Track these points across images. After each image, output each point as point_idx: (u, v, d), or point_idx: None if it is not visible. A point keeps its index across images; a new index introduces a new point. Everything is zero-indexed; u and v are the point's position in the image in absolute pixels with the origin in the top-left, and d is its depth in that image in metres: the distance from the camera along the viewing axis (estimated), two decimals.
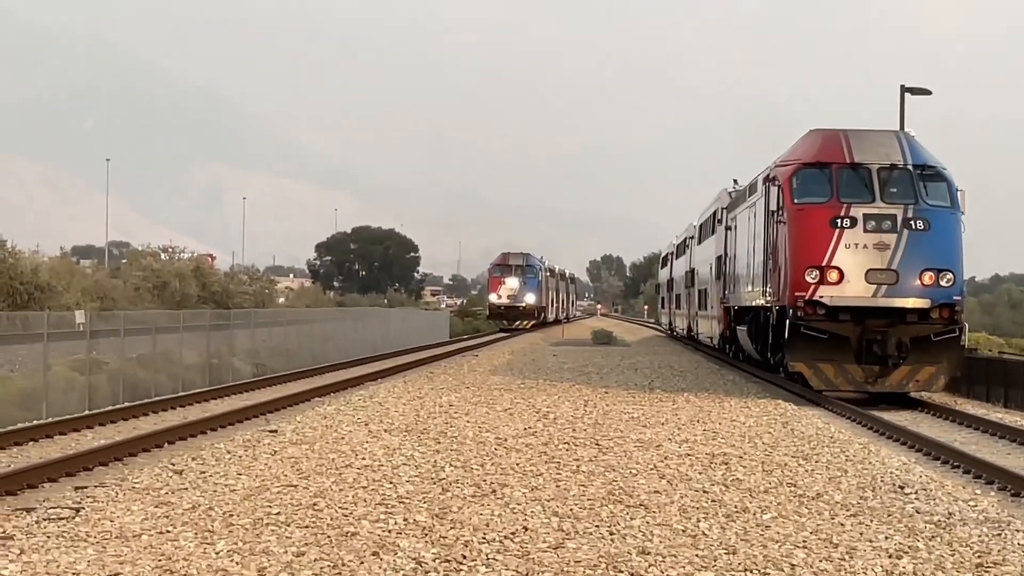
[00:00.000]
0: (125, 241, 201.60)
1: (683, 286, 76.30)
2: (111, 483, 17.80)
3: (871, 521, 15.13)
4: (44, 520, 14.96)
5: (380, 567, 12.29)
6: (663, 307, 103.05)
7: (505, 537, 13.74)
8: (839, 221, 32.74)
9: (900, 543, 13.81)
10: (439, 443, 22.21)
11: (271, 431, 24.29)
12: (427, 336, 78.80)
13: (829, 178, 33.48)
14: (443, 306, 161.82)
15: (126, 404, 30.41)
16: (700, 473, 18.95)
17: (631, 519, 14.93)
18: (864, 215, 32.73)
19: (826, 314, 32.82)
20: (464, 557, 12.74)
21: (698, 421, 26.87)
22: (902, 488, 17.88)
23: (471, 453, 20.83)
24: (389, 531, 14.01)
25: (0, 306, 42.69)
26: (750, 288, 40.56)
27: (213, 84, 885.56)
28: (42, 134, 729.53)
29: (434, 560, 12.60)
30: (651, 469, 19.24)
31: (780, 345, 35.02)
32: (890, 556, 13.15)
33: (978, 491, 18.57)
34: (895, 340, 32.71)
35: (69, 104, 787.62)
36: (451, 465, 19.32)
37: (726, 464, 20.00)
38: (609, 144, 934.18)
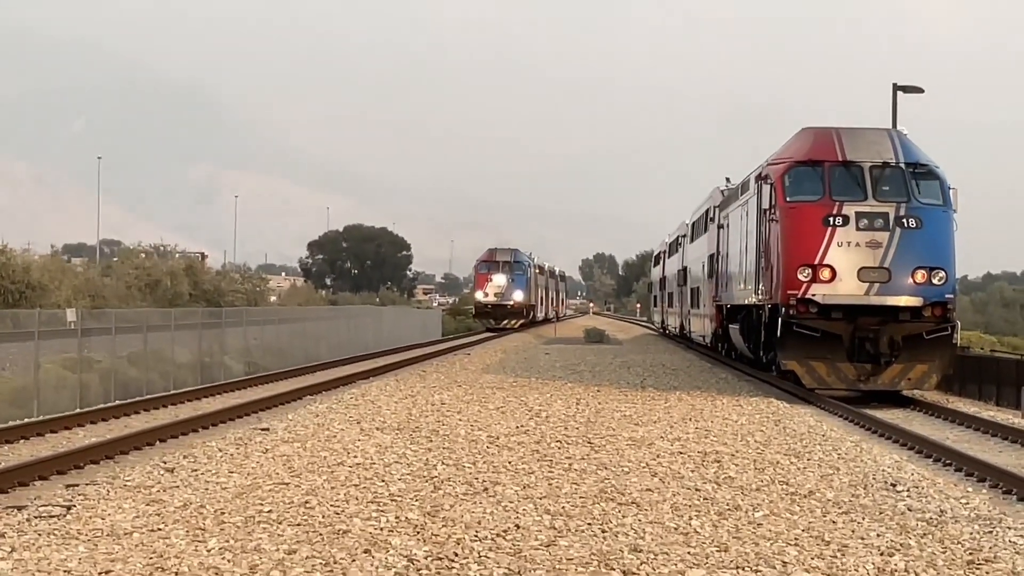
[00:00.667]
0: (117, 239, 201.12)
1: (675, 284, 76.31)
2: (102, 481, 17.78)
3: (863, 519, 15.14)
4: (35, 518, 14.94)
5: (372, 565, 12.27)
6: (655, 305, 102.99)
7: (497, 535, 13.73)
8: (831, 219, 32.76)
9: (892, 541, 13.81)
10: (431, 441, 22.20)
11: (263, 429, 24.28)
12: (419, 335, 78.82)
13: (821, 176, 33.49)
14: (435, 304, 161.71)
15: (117, 402, 30.39)
16: (692, 471, 18.94)
17: (623, 517, 14.92)
18: (856, 213, 32.74)
19: (818, 312, 32.84)
20: (456, 555, 12.73)
21: (690, 419, 26.87)
22: (894, 486, 17.89)
23: (463, 451, 20.81)
24: (381, 529, 13.99)
25: None
26: (743, 286, 40.57)
27: (204, 83, 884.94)
28: (33, 133, 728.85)
29: (426, 558, 12.59)
30: (643, 467, 19.23)
31: (772, 343, 35.03)
32: (882, 553, 13.15)
33: (970, 489, 18.59)
34: (887, 338, 32.73)
35: (60, 103, 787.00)
36: (443, 463, 19.31)
37: (718, 462, 20.00)
38: (602, 143, 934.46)
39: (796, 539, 13.78)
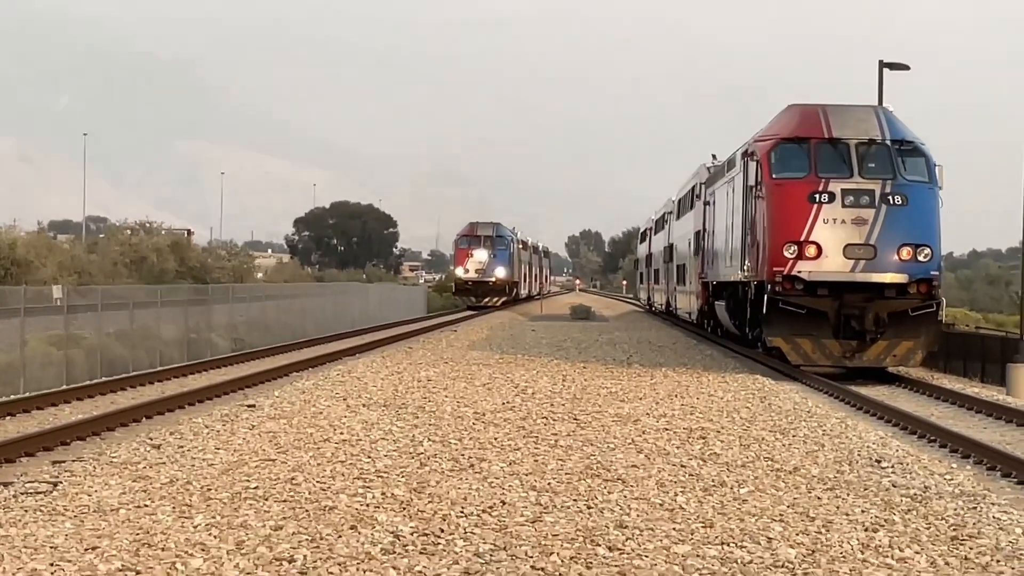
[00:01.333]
0: (103, 216, 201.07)
1: (662, 261, 76.31)
2: (89, 457, 17.78)
3: (847, 495, 15.18)
4: (22, 494, 14.95)
5: (358, 541, 12.29)
6: (642, 282, 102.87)
7: (483, 511, 13.76)
8: (817, 196, 32.80)
9: (876, 516, 13.86)
10: (417, 418, 22.22)
11: (249, 406, 24.28)
12: (406, 311, 78.75)
13: (807, 153, 33.51)
14: (422, 281, 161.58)
15: (104, 379, 30.36)
16: (678, 447, 18.98)
17: (609, 493, 14.95)
18: (842, 190, 32.79)
19: (804, 289, 32.89)
20: (442, 531, 12.75)
21: (676, 396, 26.91)
22: (879, 462, 17.95)
23: (449, 428, 20.84)
24: (367, 505, 14.02)
25: None
26: (729, 263, 40.61)
27: (191, 59, 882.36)
28: (18, 109, 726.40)
29: (412, 534, 12.61)
30: (629, 443, 19.27)
31: (758, 320, 35.08)
32: (866, 529, 13.20)
33: (954, 465, 18.66)
34: (873, 315, 32.79)
35: (45, 79, 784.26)
36: (429, 440, 19.33)
37: (704, 438, 20.05)
38: (588, 119, 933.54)
39: (781, 515, 13.82)
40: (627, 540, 12.49)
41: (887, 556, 12.13)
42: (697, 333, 55.51)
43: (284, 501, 14.21)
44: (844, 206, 32.68)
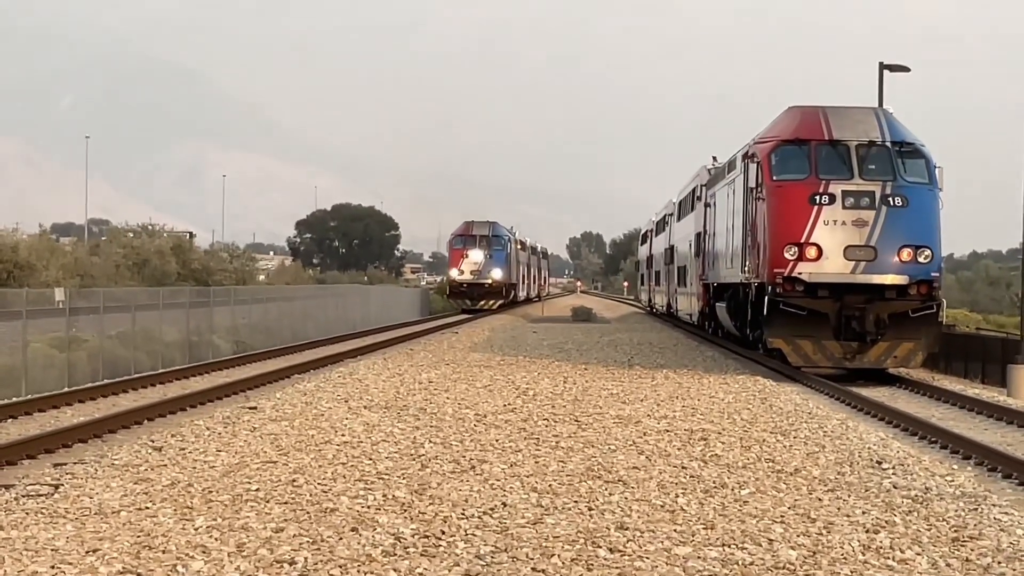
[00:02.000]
0: (105, 219, 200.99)
1: (662, 263, 76.31)
2: (90, 460, 17.79)
3: (848, 496, 15.20)
4: (23, 496, 14.95)
5: (359, 543, 12.30)
6: (642, 284, 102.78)
7: (484, 513, 13.77)
8: (818, 198, 32.81)
9: (877, 518, 13.87)
10: (418, 420, 22.23)
11: (251, 408, 24.29)
12: (407, 313, 78.75)
13: (808, 155, 33.53)
14: (423, 283, 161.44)
15: (105, 381, 30.36)
16: (679, 449, 18.99)
17: (610, 495, 14.96)
18: (843, 192, 32.80)
19: (805, 290, 32.90)
20: (443, 533, 12.77)
21: (677, 397, 26.92)
22: (879, 463, 17.96)
23: (450, 430, 20.85)
24: (368, 507, 14.03)
25: None
26: (729, 265, 40.61)
27: (193, 62, 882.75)
28: (20, 111, 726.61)
29: (413, 536, 12.63)
30: (630, 445, 19.28)
31: (759, 321, 35.09)
32: (867, 531, 13.21)
33: (955, 466, 18.67)
34: (873, 316, 32.79)
35: (47, 82, 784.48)
36: (430, 441, 19.35)
37: (705, 440, 20.06)
38: (589, 122, 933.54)
39: (782, 516, 13.83)
40: (628, 542, 12.50)
41: (888, 557, 12.14)
42: (698, 334, 55.52)
43: (285, 503, 14.22)
44: (844, 208, 32.69)
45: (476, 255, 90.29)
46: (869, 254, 32.53)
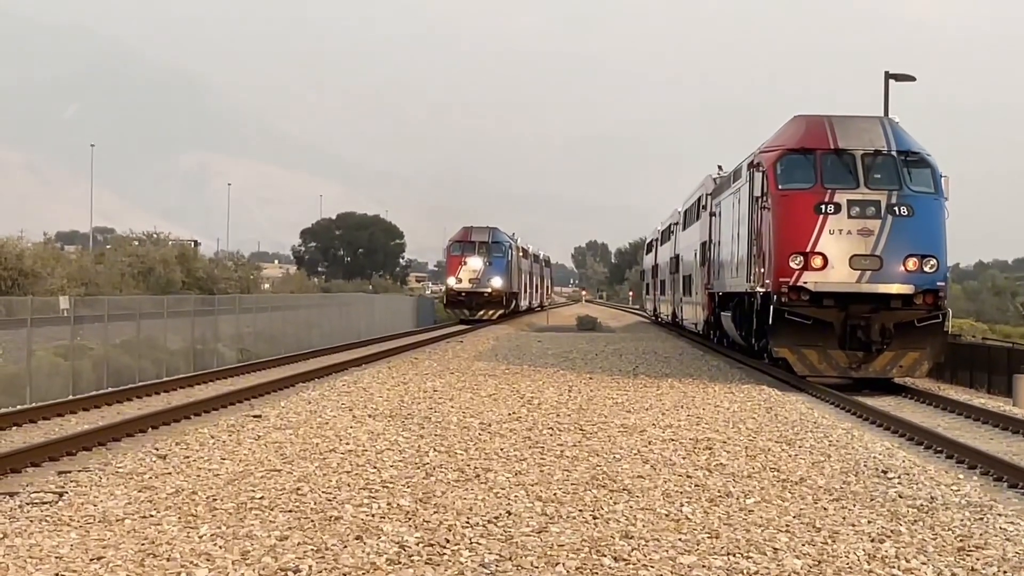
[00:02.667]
0: (110, 227, 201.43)
1: (667, 272, 76.27)
2: (95, 468, 17.78)
3: (854, 505, 15.17)
4: (27, 504, 14.95)
5: (363, 551, 12.29)
6: (647, 293, 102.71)
7: (489, 521, 13.75)
8: (823, 207, 32.77)
9: (883, 527, 13.84)
10: (423, 428, 22.22)
11: (255, 416, 24.28)
12: (412, 322, 78.63)
13: (813, 164, 33.50)
14: (428, 292, 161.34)
15: (110, 389, 30.38)
16: (684, 458, 18.97)
17: (614, 504, 14.94)
18: (848, 201, 32.76)
19: (810, 300, 32.86)
20: (447, 541, 12.75)
21: (682, 406, 26.89)
22: (885, 473, 17.92)
23: (455, 438, 20.83)
24: (372, 515, 14.01)
25: None
26: (734, 274, 40.59)
27: (198, 71, 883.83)
28: (25, 120, 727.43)
29: (417, 544, 12.61)
30: (635, 454, 19.26)
31: (764, 331, 35.06)
32: (872, 540, 13.18)
33: (961, 476, 18.62)
34: (879, 326, 32.75)
35: (52, 91, 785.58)
36: (435, 450, 19.33)
37: (710, 449, 20.03)
38: (595, 131, 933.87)
39: (787, 526, 13.81)
40: (633, 550, 12.48)
41: (893, 567, 12.11)
42: (703, 344, 55.47)
43: (290, 511, 14.21)
44: (850, 217, 32.65)
45: (475, 262, 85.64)
46: (875, 263, 32.49)
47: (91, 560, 11.94)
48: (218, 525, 13.45)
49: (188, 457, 18.55)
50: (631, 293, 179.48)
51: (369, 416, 24.14)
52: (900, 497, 15.85)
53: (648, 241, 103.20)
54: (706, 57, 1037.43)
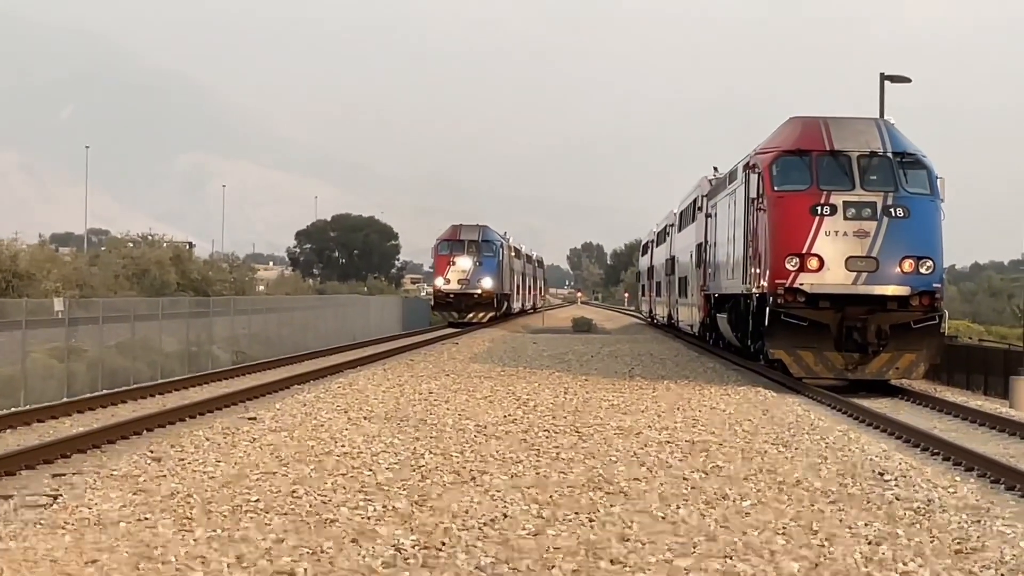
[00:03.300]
0: (104, 229, 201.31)
1: (663, 274, 76.24)
2: (89, 470, 17.75)
3: (851, 508, 15.15)
4: (22, 507, 14.92)
5: (359, 554, 12.26)
6: (643, 295, 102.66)
7: (485, 524, 13.72)
8: (819, 208, 32.75)
9: (879, 530, 13.82)
10: (419, 430, 22.19)
11: (250, 418, 24.25)
12: (407, 323, 78.41)
13: (809, 165, 33.48)
14: (424, 294, 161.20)
15: (105, 391, 30.32)
16: (680, 460, 18.94)
17: (611, 506, 14.92)
18: (844, 203, 32.74)
19: (806, 301, 32.83)
20: (443, 544, 12.72)
21: (678, 408, 26.88)
22: (882, 475, 17.90)
23: (451, 440, 20.81)
24: (368, 518, 13.98)
25: None
26: (730, 276, 40.57)
27: (192, 73, 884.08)
28: (21, 122, 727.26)
29: (413, 547, 12.58)
30: (631, 456, 19.24)
31: (760, 332, 35.03)
32: (869, 543, 13.16)
33: (958, 478, 18.60)
34: (875, 327, 32.72)
35: (48, 92, 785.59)
36: (431, 452, 19.30)
37: (706, 451, 20.01)
38: (591, 133, 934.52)
39: (784, 528, 13.78)
40: (629, 553, 12.45)
41: (891, 570, 12.09)
42: (699, 345, 55.45)
43: (285, 514, 14.18)
44: (846, 218, 32.64)
45: (464, 262, 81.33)
46: (871, 265, 32.48)
47: (86, 563, 11.90)
48: (213, 528, 13.41)
49: (183, 460, 18.51)
50: (626, 295, 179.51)
51: (365, 418, 24.12)
52: (897, 499, 15.83)
53: (644, 243, 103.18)
54: (703, 58, 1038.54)
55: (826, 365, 33.22)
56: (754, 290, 35.32)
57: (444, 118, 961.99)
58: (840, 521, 14.31)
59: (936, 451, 21.96)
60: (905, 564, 12.29)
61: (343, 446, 19.92)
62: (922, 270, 32.45)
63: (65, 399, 28.33)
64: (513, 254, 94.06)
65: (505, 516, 14.19)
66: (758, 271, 34.66)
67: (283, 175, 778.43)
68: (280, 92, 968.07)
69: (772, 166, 34.15)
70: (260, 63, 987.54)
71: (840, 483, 17.11)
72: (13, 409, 25.99)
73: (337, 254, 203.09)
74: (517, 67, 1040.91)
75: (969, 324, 67.06)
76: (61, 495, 15.63)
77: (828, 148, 33.54)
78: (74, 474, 17.56)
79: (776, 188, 33.84)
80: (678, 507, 14.91)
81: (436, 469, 17.58)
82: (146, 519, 13.93)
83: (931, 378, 36.60)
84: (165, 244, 77.10)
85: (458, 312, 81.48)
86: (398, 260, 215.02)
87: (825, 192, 32.89)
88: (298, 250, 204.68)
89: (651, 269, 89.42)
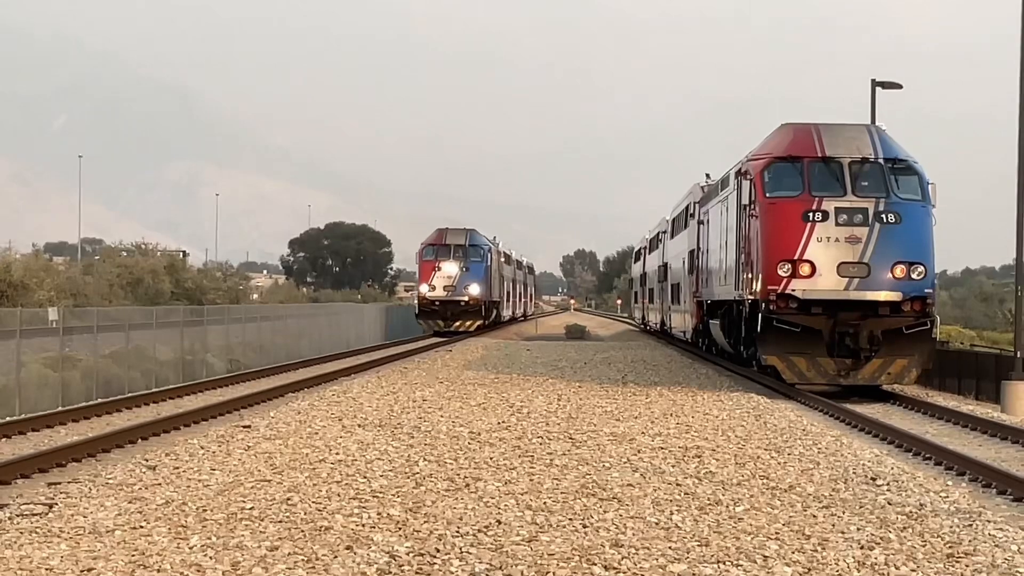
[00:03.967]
0: (98, 238, 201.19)
1: (656, 280, 76.24)
2: (84, 479, 17.76)
3: (843, 513, 15.19)
4: (17, 516, 14.92)
5: (354, 561, 12.30)
6: (636, 302, 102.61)
7: (479, 530, 13.76)
8: (811, 215, 32.83)
9: (872, 534, 13.87)
10: (413, 438, 22.22)
11: (245, 427, 24.26)
12: (401, 331, 78.30)
13: (801, 172, 33.56)
14: (415, 301, 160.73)
15: (99, 400, 30.36)
16: (673, 466, 18.99)
17: (604, 512, 14.96)
18: (836, 209, 32.81)
19: (798, 307, 32.90)
20: (438, 551, 12.76)
21: (671, 415, 26.92)
22: (874, 480, 17.96)
23: (445, 447, 20.84)
24: (363, 525, 14.02)
25: None
26: (723, 282, 40.63)
27: (186, 82, 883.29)
28: (14, 131, 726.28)
29: (408, 554, 12.62)
30: (624, 462, 19.28)
31: (753, 339, 35.10)
32: (862, 547, 13.21)
33: (949, 482, 18.67)
34: (867, 333, 32.80)
35: (41, 101, 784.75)
36: (425, 459, 19.33)
37: (699, 457, 20.05)
38: (583, 140, 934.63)
39: (777, 533, 13.83)
40: (623, 559, 12.50)
41: (883, 574, 12.15)
42: (692, 352, 55.50)
43: (280, 522, 14.21)
44: (838, 224, 32.71)
45: (450, 268, 77.61)
46: (862, 271, 32.55)
47: (81, 572, 11.94)
48: (208, 536, 13.45)
49: (178, 468, 18.54)
50: (619, 301, 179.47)
51: (359, 426, 24.14)
52: (889, 504, 15.88)
53: (636, 250, 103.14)
54: (695, 65, 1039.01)
55: (818, 371, 33.29)
56: (747, 296, 35.39)
57: (437, 126, 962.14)
58: (833, 526, 14.36)
59: (928, 456, 22.05)
60: (897, 568, 12.34)
61: (337, 453, 19.95)
62: (914, 275, 32.52)
63: (60, 408, 28.37)
64: (503, 259, 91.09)
65: (499, 523, 14.23)
66: (750, 277, 34.73)
67: (277, 184, 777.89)
68: (273, 101, 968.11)
69: (764, 172, 34.23)
70: (253, 72, 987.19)
71: (833, 488, 17.16)
72: (8, 418, 26.01)
73: (331, 262, 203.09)
74: (512, 76, 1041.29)
75: (961, 329, 67.08)
76: (56, 504, 15.64)
77: (820, 154, 33.62)
78: (69, 483, 17.57)
79: (768, 194, 33.91)
80: (671, 513, 14.96)
81: (430, 476, 17.62)
82: (141, 527, 13.96)
83: (923, 383, 36.65)
84: (159, 253, 77.16)
85: (444, 320, 78.30)
86: (392, 268, 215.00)
87: (817, 198, 32.96)
88: (292, 258, 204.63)
89: (644, 276, 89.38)
